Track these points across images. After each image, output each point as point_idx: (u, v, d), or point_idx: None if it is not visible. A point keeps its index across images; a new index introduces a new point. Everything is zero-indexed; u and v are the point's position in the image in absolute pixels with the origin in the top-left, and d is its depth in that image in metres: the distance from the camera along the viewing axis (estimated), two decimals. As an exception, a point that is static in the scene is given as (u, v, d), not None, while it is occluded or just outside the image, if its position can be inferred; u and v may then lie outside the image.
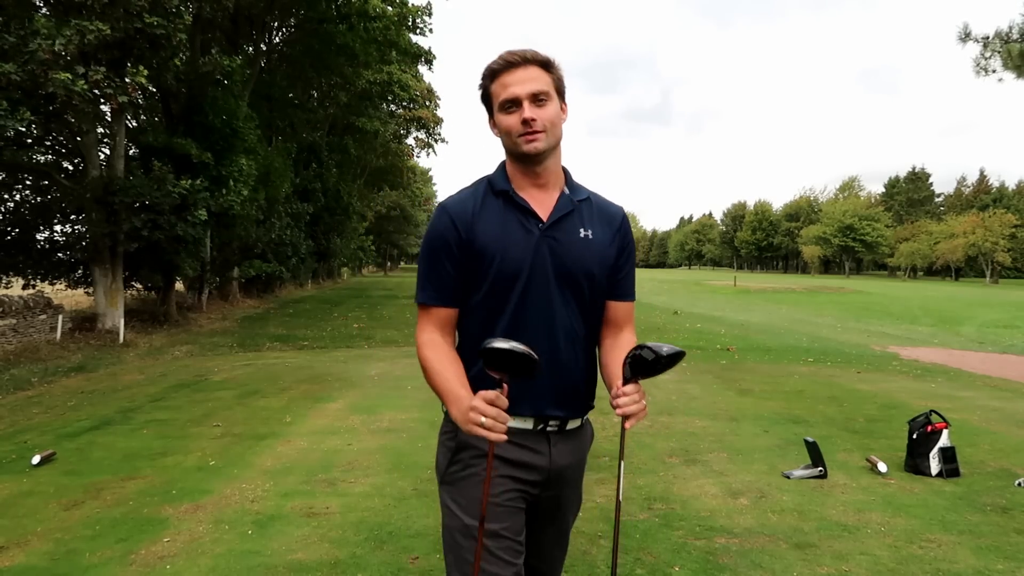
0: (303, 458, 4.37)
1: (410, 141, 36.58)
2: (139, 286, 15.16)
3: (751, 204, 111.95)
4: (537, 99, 1.39)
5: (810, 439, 4.13)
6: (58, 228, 13.47)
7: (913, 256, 72.49)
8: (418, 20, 22.13)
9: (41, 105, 9.80)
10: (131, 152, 13.23)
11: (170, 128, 13.54)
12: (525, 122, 1.38)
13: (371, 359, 9.43)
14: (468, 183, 1.56)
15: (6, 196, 12.61)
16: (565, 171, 1.53)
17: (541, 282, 1.42)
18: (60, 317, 11.08)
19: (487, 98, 1.46)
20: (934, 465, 4.05)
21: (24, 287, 12.75)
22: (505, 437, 1.25)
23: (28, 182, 12.97)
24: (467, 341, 1.48)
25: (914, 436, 4.16)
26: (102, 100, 10.13)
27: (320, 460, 4.32)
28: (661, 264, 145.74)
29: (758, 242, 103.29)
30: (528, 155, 1.41)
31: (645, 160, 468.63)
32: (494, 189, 1.47)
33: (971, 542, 3.09)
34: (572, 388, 1.48)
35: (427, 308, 1.47)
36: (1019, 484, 3.91)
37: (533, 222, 1.44)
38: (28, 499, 3.63)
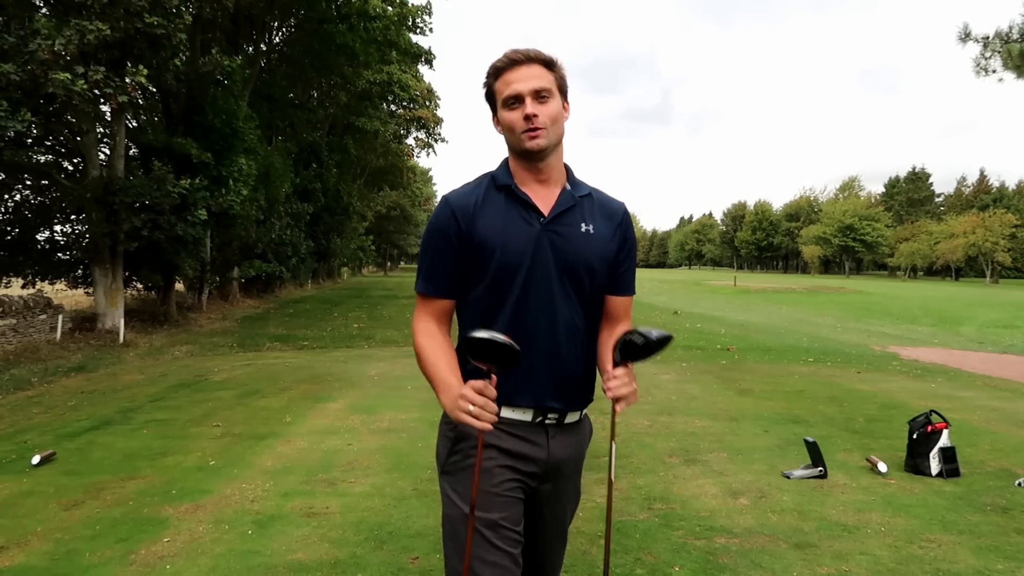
0: (303, 458, 4.37)
1: (410, 141, 36.59)
2: (139, 286, 15.17)
3: (751, 204, 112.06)
4: (540, 96, 1.42)
5: (810, 439, 4.13)
6: (58, 228, 13.49)
7: (913, 256, 72.50)
8: (418, 20, 22.14)
9: (41, 105, 9.81)
10: (131, 152, 13.23)
11: (170, 128, 13.54)
12: (527, 118, 1.40)
13: (371, 359, 9.43)
14: (468, 182, 1.58)
15: (6, 196, 12.62)
16: (567, 168, 1.55)
17: (542, 275, 1.44)
18: (60, 317, 11.08)
19: (491, 96, 1.49)
20: (934, 465, 4.05)
21: (24, 287, 12.75)
22: (490, 427, 1.28)
23: (28, 182, 12.97)
24: (466, 332, 1.49)
25: (914, 436, 4.16)
26: (102, 100, 10.13)
27: (320, 460, 4.32)
28: (661, 264, 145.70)
29: (758, 242, 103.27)
30: (531, 151, 1.43)
31: (645, 160, 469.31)
32: (497, 184, 1.49)
33: (971, 542, 3.09)
34: (572, 380, 1.50)
35: (425, 298, 1.51)
36: (1019, 484, 3.91)
37: (534, 216, 1.46)
38: (28, 499, 3.63)
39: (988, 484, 3.93)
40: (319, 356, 10.03)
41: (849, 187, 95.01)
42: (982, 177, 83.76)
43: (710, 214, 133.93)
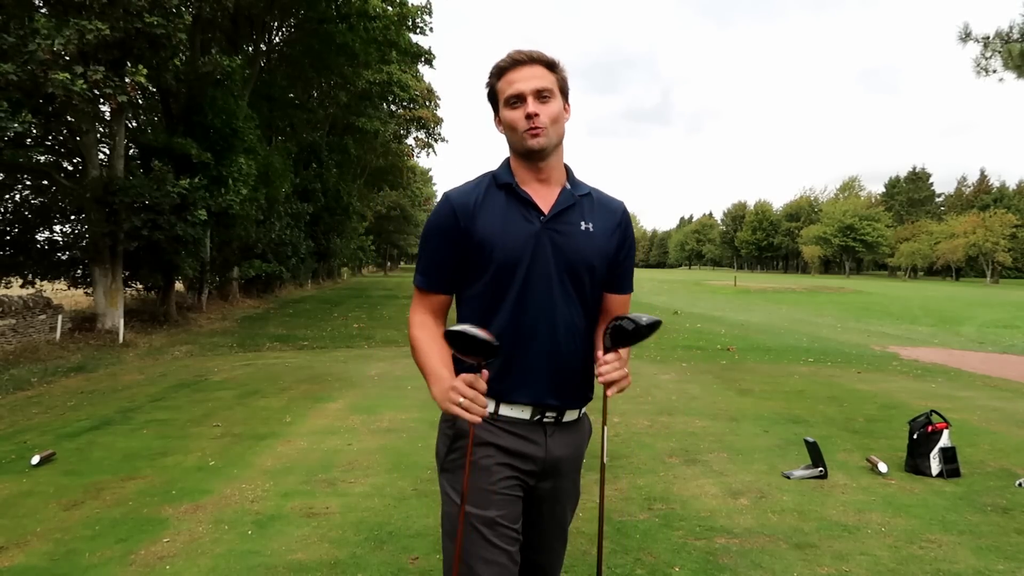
0: (303, 458, 4.37)
1: (410, 141, 36.59)
2: (139, 286, 15.16)
3: (751, 204, 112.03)
4: (541, 96, 1.44)
5: (810, 439, 4.13)
6: (58, 228, 13.49)
7: (913, 256, 72.49)
8: (418, 20, 22.15)
9: (41, 105, 9.80)
10: (131, 152, 13.23)
11: (170, 128, 13.54)
12: (529, 117, 1.42)
13: (371, 359, 9.43)
14: (469, 180, 1.59)
15: (6, 196, 12.62)
16: (567, 168, 1.57)
17: (542, 273, 1.46)
18: (60, 317, 11.07)
19: (493, 95, 1.51)
20: (934, 465, 4.04)
21: (23, 286, 12.75)
22: (479, 419, 1.30)
23: (28, 182, 12.97)
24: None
25: (914, 436, 4.16)
26: (101, 100, 10.13)
27: (320, 460, 4.32)
28: (661, 264, 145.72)
29: (758, 242, 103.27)
30: (532, 150, 1.45)
31: (645, 160, 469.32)
32: (498, 183, 1.51)
33: (971, 542, 3.09)
34: (571, 378, 1.51)
35: (423, 292, 1.54)
36: (1019, 484, 3.90)
37: (534, 214, 1.47)
38: (28, 499, 3.63)
39: (988, 484, 3.93)
40: (319, 356, 10.02)
41: (849, 187, 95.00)
42: (982, 177, 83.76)
43: (710, 214, 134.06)
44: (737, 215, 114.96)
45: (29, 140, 11.19)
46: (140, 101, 14.20)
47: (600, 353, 1.42)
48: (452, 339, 1.30)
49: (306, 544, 3.02)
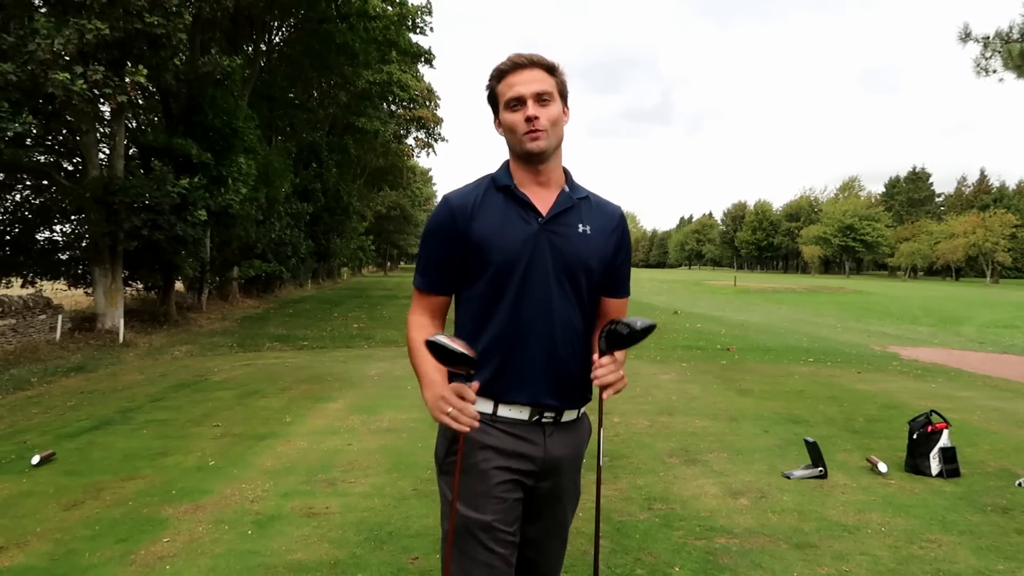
0: (303, 458, 4.37)
1: (410, 141, 36.60)
2: (139, 286, 15.16)
3: (751, 204, 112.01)
4: (541, 99, 1.45)
5: (810, 439, 4.13)
6: (58, 228, 13.49)
7: (913, 256, 72.49)
8: (418, 20, 22.14)
9: (41, 105, 9.80)
10: (131, 152, 13.23)
11: (170, 128, 13.54)
12: (529, 120, 1.44)
13: (371, 359, 9.43)
14: (469, 182, 1.61)
15: (6, 196, 12.62)
16: (566, 171, 1.58)
17: (540, 274, 1.47)
18: (60, 317, 11.07)
19: (493, 98, 1.52)
20: (934, 465, 4.04)
21: (23, 286, 12.76)
22: (468, 430, 1.32)
23: (28, 182, 12.98)
24: (464, 329, 1.53)
25: (914, 436, 4.16)
26: (101, 100, 10.13)
27: (320, 460, 4.32)
28: (661, 264, 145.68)
29: (758, 242, 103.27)
30: (531, 152, 1.46)
31: (645, 160, 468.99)
32: (496, 185, 1.52)
33: (971, 542, 3.09)
34: (569, 378, 1.52)
35: (422, 293, 1.56)
36: (1019, 484, 3.90)
37: (532, 216, 1.49)
38: (28, 499, 3.63)
39: (988, 484, 3.93)
40: (319, 356, 10.02)
41: (849, 187, 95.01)
42: (982, 177, 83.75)
43: (710, 214, 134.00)
44: (737, 215, 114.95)
45: (29, 140, 11.20)
46: (140, 101, 14.20)
47: (596, 356, 1.44)
48: (431, 349, 1.32)
49: (306, 544, 3.02)
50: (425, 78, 31.65)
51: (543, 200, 1.51)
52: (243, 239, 16.66)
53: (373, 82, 24.30)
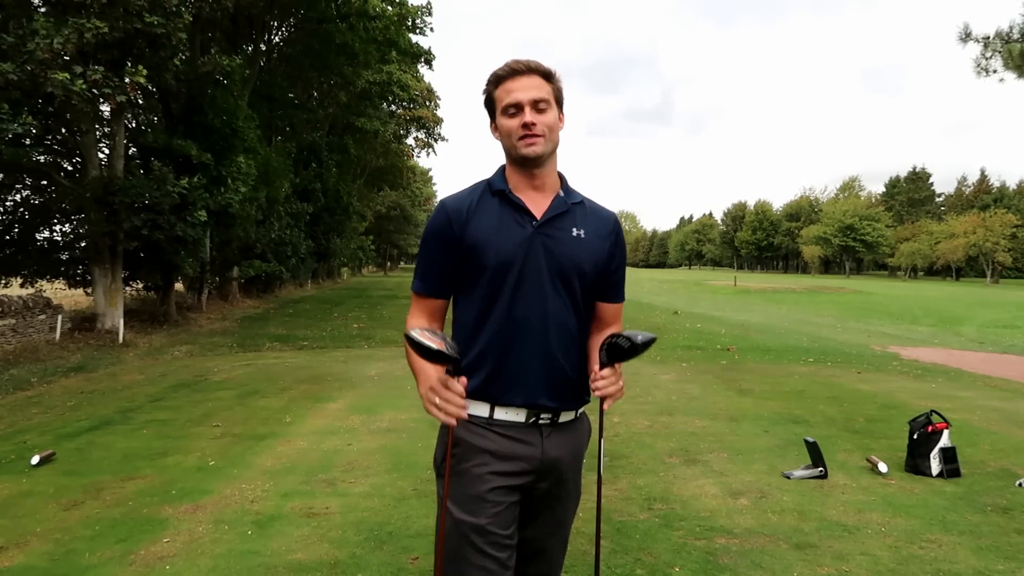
0: (303, 458, 4.37)
1: (410, 141, 36.61)
2: (139, 286, 15.16)
3: (751, 204, 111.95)
4: (537, 105, 1.48)
5: (810, 439, 4.13)
6: (58, 228, 13.49)
7: (913, 256, 72.47)
8: (418, 20, 22.14)
9: (40, 105, 9.80)
10: (131, 152, 13.23)
11: (170, 128, 13.53)
12: (525, 125, 1.46)
13: (371, 359, 9.42)
14: (468, 182, 1.64)
15: (6, 196, 12.62)
16: (561, 176, 1.61)
17: (534, 276, 1.49)
18: (59, 317, 11.07)
19: (490, 103, 1.54)
20: (935, 465, 4.04)
21: (23, 286, 12.75)
22: (455, 421, 1.34)
23: (28, 182, 12.97)
24: (461, 332, 1.54)
25: (915, 436, 4.16)
26: (101, 100, 10.12)
27: (320, 460, 4.32)
28: (661, 264, 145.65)
29: (758, 242, 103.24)
30: (527, 157, 1.48)
31: (645, 160, 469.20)
32: (492, 189, 1.55)
33: (971, 542, 3.09)
34: (564, 380, 1.53)
35: (420, 296, 1.59)
36: (1020, 484, 3.90)
37: (527, 219, 1.51)
38: (27, 499, 3.63)
39: (988, 484, 3.93)
40: (319, 356, 10.02)
41: (849, 187, 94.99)
42: (983, 177, 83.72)
43: (710, 214, 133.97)
44: (737, 215, 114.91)
45: (29, 140, 11.20)
46: (140, 101, 14.18)
47: (596, 368, 1.45)
48: (410, 344, 1.33)
49: (306, 544, 3.02)
50: (425, 78, 31.66)
51: (538, 204, 1.53)
52: (243, 239, 16.66)
53: (373, 82, 24.31)
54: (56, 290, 14.28)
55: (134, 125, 14.67)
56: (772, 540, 3.09)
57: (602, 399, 1.43)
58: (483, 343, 1.49)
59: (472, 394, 1.48)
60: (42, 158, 11.98)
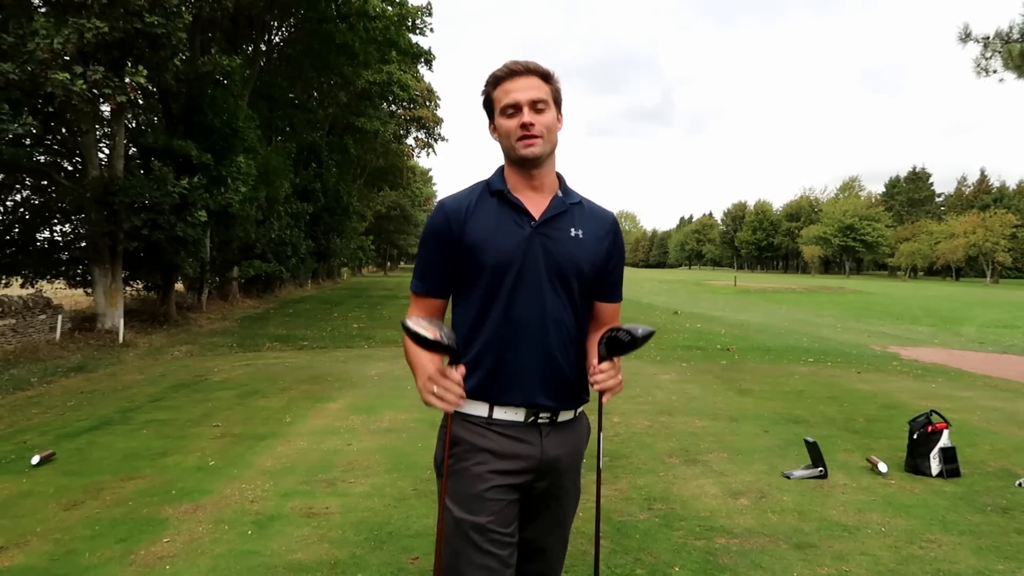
0: (303, 458, 4.37)
1: (410, 141, 36.60)
2: (139, 286, 15.16)
3: (751, 204, 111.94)
4: (536, 106, 1.48)
5: (810, 439, 4.13)
6: (58, 228, 13.49)
7: (913, 256, 72.46)
8: (418, 20, 22.14)
9: (40, 105, 9.80)
10: (131, 152, 13.23)
11: (170, 128, 13.53)
12: (524, 126, 1.47)
13: (371, 359, 9.43)
14: (468, 182, 1.65)
15: (6, 196, 12.61)
16: (559, 177, 1.61)
17: (533, 276, 1.49)
18: (59, 317, 11.07)
19: (489, 103, 1.55)
20: (934, 465, 4.05)
21: (23, 286, 12.75)
22: (451, 409, 1.36)
23: (28, 182, 12.97)
24: (459, 332, 1.54)
25: (915, 436, 4.16)
26: (101, 100, 10.12)
27: (320, 460, 4.32)
28: (661, 264, 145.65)
29: (758, 242, 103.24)
30: (526, 158, 1.49)
31: (645, 160, 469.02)
32: (491, 190, 1.56)
33: (971, 542, 3.09)
34: (563, 379, 1.53)
35: (418, 296, 1.60)
36: (1020, 484, 3.90)
37: (526, 219, 1.52)
38: (27, 499, 3.63)
39: (988, 484, 3.93)
40: (319, 356, 10.02)
41: (849, 187, 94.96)
42: (982, 177, 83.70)
43: (710, 214, 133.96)
44: (737, 215, 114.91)
45: (29, 140, 11.20)
46: (140, 101, 14.18)
47: (595, 362, 1.46)
48: (407, 333, 1.34)
49: (306, 544, 3.02)
50: (425, 78, 31.66)
51: (536, 204, 1.54)
52: (243, 239, 16.66)
53: (373, 82, 24.30)
54: (56, 290, 14.28)
55: (134, 125, 14.67)
56: (772, 540, 3.09)
57: (601, 393, 1.44)
58: (482, 343, 1.49)
59: (471, 394, 1.48)
60: (42, 158, 11.98)
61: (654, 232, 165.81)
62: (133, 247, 11.82)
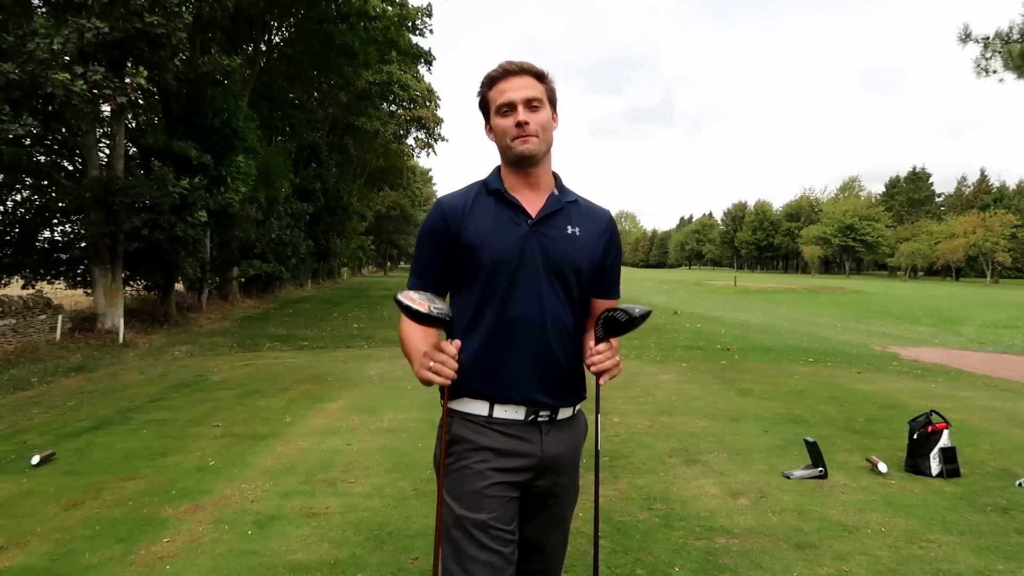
0: (303, 458, 4.37)
1: (410, 141, 36.59)
2: (139, 286, 15.16)
3: (751, 204, 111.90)
4: (531, 105, 1.50)
5: (810, 439, 4.13)
6: (58, 228, 13.49)
7: (913, 256, 72.44)
8: (418, 21, 22.13)
9: (40, 105, 9.79)
10: (131, 152, 13.22)
11: (170, 128, 13.53)
12: (519, 125, 1.48)
13: (371, 359, 9.43)
14: (467, 182, 1.65)
15: (6, 196, 12.62)
16: (556, 176, 1.63)
17: (530, 274, 1.50)
18: (60, 317, 11.07)
19: (484, 104, 1.57)
20: (934, 465, 4.05)
21: (23, 287, 12.76)
22: (448, 381, 1.38)
23: (28, 182, 12.97)
24: (457, 330, 1.54)
25: (914, 436, 4.16)
26: (101, 100, 10.12)
27: (320, 460, 4.32)
28: (661, 264, 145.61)
29: (758, 242, 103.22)
30: (522, 157, 1.50)
31: (646, 160, 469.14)
32: (488, 189, 1.57)
33: (971, 542, 3.09)
34: (561, 376, 1.54)
35: None
36: (1019, 484, 3.90)
37: (522, 217, 1.53)
38: (28, 499, 3.63)
39: (988, 484, 3.93)
40: (319, 356, 10.02)
41: (849, 187, 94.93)
42: (982, 177, 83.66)
43: (710, 214, 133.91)
44: (737, 215, 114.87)
45: (29, 140, 11.19)
46: (140, 101, 14.18)
47: (592, 343, 1.48)
48: (398, 306, 1.36)
49: (306, 544, 3.02)
50: (425, 78, 31.65)
51: (533, 203, 1.55)
52: (243, 239, 16.66)
53: (373, 82, 24.29)
54: (56, 290, 14.28)
55: (134, 125, 14.67)
56: (772, 540, 3.09)
57: (598, 376, 1.45)
58: (480, 341, 1.49)
59: (470, 393, 1.49)
60: (42, 158, 11.97)
61: (654, 232, 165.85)
62: (133, 247, 11.82)
